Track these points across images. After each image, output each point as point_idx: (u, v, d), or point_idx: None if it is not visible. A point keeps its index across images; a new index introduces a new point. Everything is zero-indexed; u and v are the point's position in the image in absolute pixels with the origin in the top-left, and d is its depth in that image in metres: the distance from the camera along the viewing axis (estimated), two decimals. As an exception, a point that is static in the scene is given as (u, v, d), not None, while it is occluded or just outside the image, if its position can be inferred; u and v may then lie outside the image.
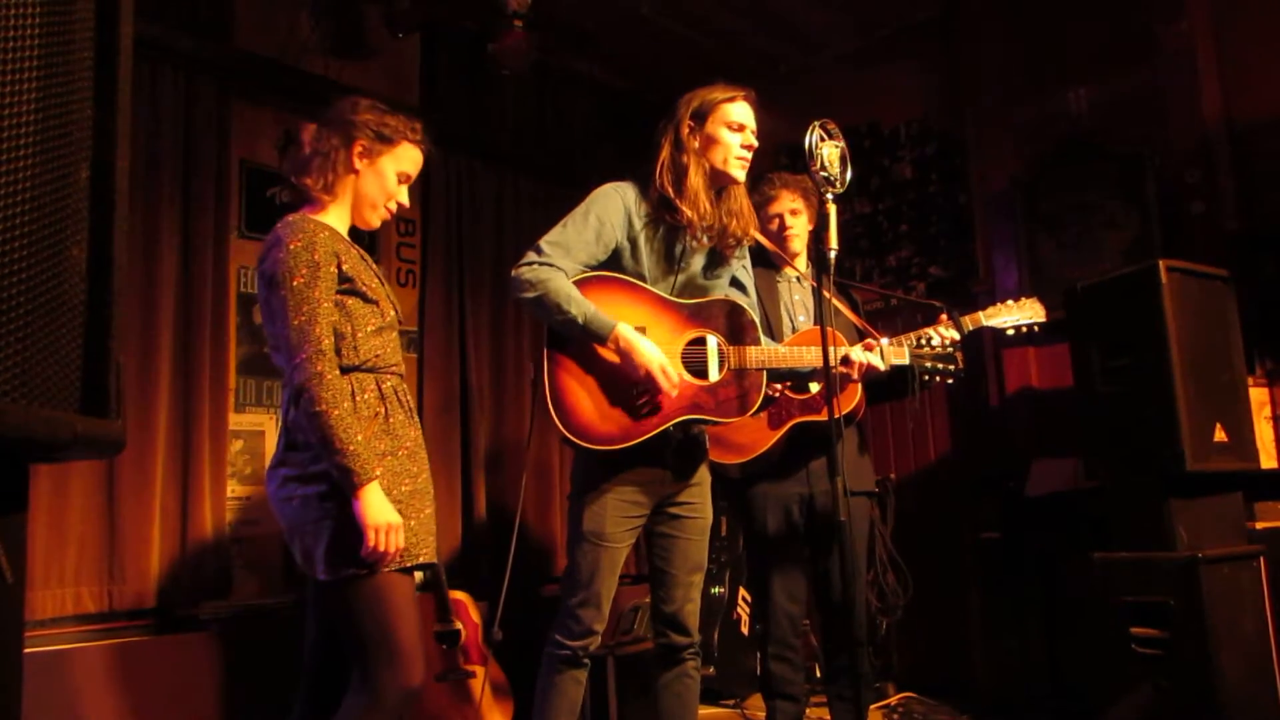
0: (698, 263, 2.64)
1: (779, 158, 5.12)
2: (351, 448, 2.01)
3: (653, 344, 2.44)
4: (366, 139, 2.25)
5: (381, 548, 2.02)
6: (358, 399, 2.12)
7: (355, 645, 2.09)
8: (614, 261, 2.57)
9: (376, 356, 2.18)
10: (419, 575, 3.81)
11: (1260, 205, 3.87)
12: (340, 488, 2.04)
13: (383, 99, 2.39)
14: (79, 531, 3.27)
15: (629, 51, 5.22)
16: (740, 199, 2.64)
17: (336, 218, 2.26)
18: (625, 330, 2.42)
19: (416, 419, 2.29)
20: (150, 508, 3.40)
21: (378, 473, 2.05)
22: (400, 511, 2.10)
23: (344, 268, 2.14)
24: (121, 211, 1.02)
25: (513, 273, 2.48)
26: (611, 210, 2.55)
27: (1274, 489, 3.31)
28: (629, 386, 2.46)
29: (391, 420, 2.17)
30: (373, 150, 2.26)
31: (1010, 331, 3.09)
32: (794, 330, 3.17)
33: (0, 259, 0.83)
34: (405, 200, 2.34)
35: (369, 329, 2.17)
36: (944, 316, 3.03)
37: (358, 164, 2.26)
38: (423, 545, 2.16)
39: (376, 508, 2.02)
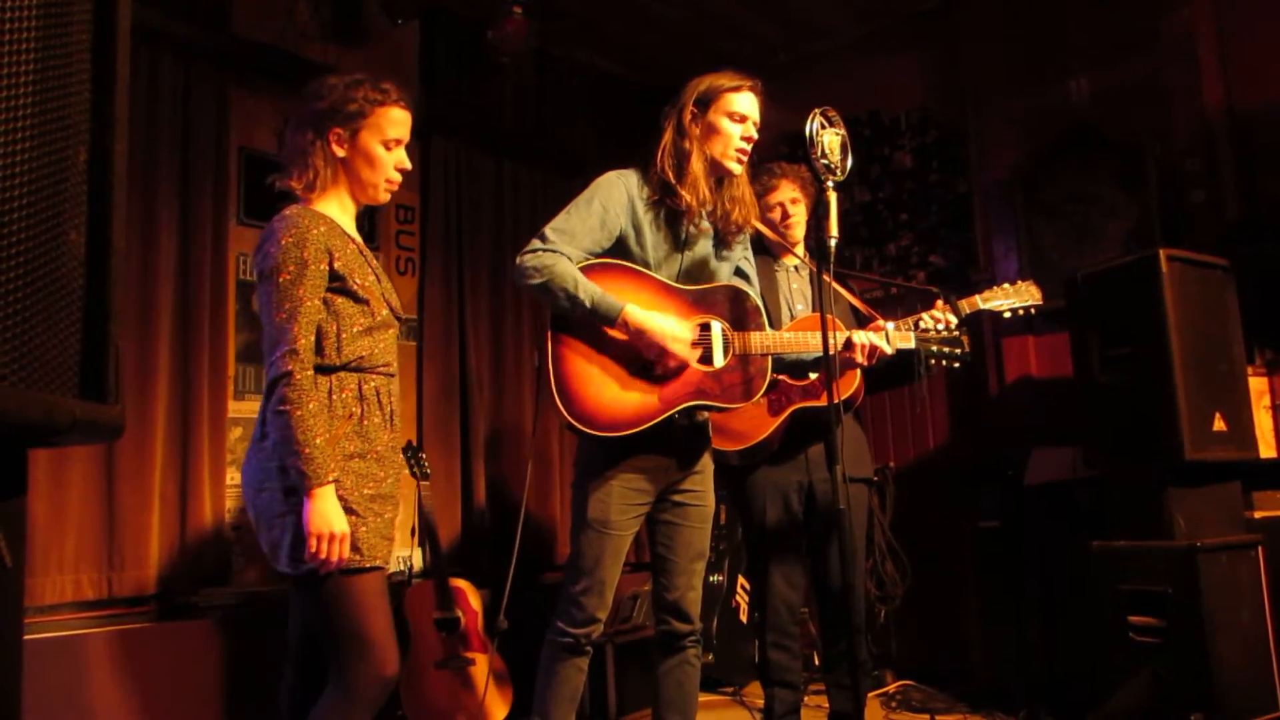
0: (701, 248, 2.65)
1: (779, 146, 5.11)
2: (308, 450, 2.00)
3: (662, 317, 2.44)
4: (339, 124, 2.18)
5: (322, 555, 1.99)
6: (334, 398, 2.10)
7: (328, 638, 2.09)
8: (619, 248, 2.57)
9: (361, 358, 2.15)
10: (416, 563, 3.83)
11: (1261, 194, 3.86)
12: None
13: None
14: (78, 519, 3.27)
15: (629, 39, 5.20)
16: (742, 187, 2.65)
17: (338, 206, 2.23)
18: (634, 310, 2.41)
19: (395, 423, 2.25)
20: (149, 495, 3.40)
21: (332, 478, 2.03)
22: (359, 514, 2.08)
23: (336, 265, 2.12)
24: (120, 196, 1.01)
25: (517, 260, 2.48)
26: (615, 197, 2.55)
27: (1273, 478, 3.32)
28: (633, 372, 2.46)
29: (366, 422, 2.15)
30: (348, 133, 2.19)
31: (1007, 314, 3.06)
32: (792, 319, 3.17)
33: (-2, 242, 0.82)
34: (406, 164, 2.27)
35: (355, 329, 2.15)
36: (940, 301, 3.02)
37: (339, 151, 2.20)
38: (378, 549, 2.12)
39: (322, 514, 2.00)
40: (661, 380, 2.48)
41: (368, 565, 2.09)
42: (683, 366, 2.49)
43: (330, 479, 2.03)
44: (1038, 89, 4.51)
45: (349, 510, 2.07)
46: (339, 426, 2.10)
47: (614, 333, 2.46)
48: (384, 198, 2.29)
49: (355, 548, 2.06)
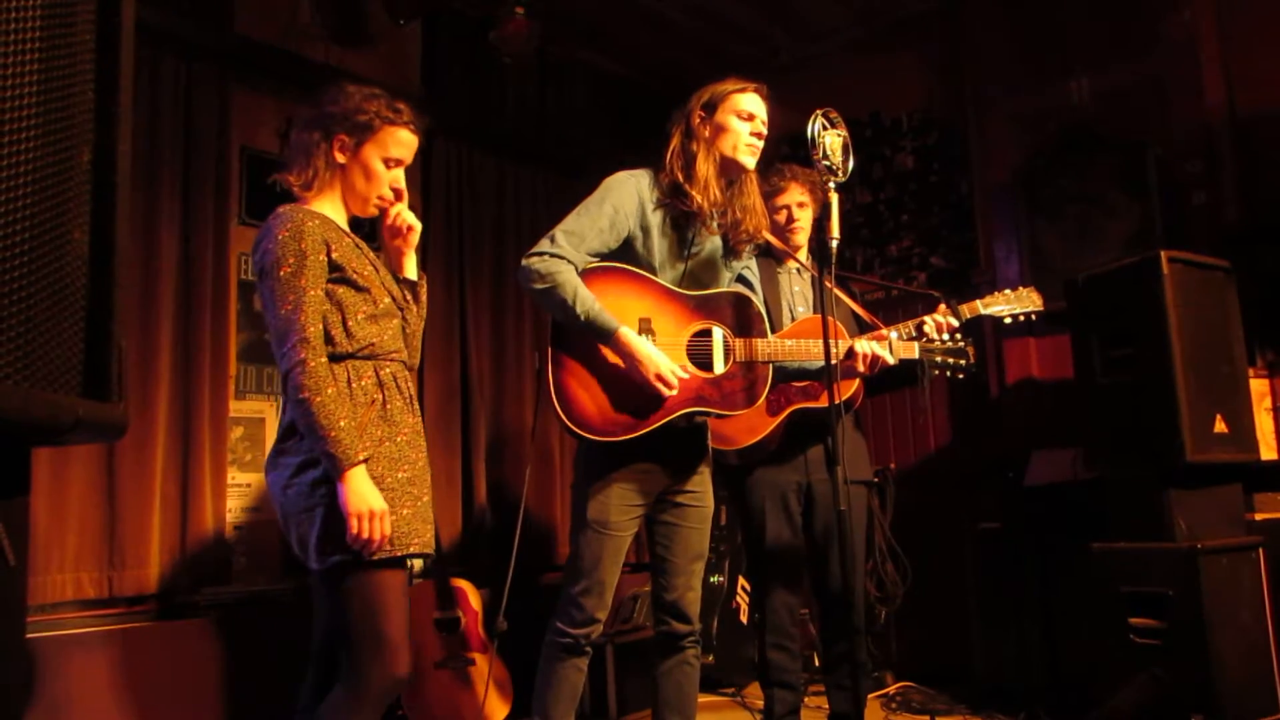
0: (707, 253, 2.65)
1: (781, 147, 5.11)
2: (334, 433, 2.01)
3: (654, 348, 2.45)
4: (345, 131, 2.22)
5: (365, 534, 2.00)
6: (354, 385, 2.12)
7: (345, 634, 2.09)
8: (626, 249, 2.57)
9: (372, 345, 2.17)
10: (418, 564, 3.84)
11: (1262, 196, 3.86)
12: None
13: (383, 87, 2.34)
14: (79, 517, 3.27)
15: (630, 40, 5.20)
16: (753, 195, 2.66)
17: (330, 208, 2.25)
18: (627, 334, 2.43)
19: (416, 406, 2.28)
20: (150, 494, 3.40)
21: (362, 458, 2.04)
22: (395, 499, 2.10)
23: (333, 256, 2.14)
24: (123, 195, 1.02)
25: (523, 261, 2.48)
26: (626, 198, 2.56)
27: (1274, 480, 3.32)
28: (633, 378, 2.46)
29: (389, 407, 2.17)
30: (353, 141, 2.22)
31: (1007, 320, 3.08)
32: (793, 320, 3.17)
33: (2, 241, 0.82)
34: (402, 184, 2.30)
35: (360, 316, 2.17)
36: (942, 305, 3.03)
37: (340, 158, 2.23)
38: (417, 534, 2.14)
39: (359, 494, 2.01)
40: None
41: (400, 554, 2.09)
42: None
43: (360, 458, 2.03)
44: (1039, 90, 4.51)
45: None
46: (364, 414, 2.11)
47: (607, 351, 2.46)
48: (372, 212, 2.31)
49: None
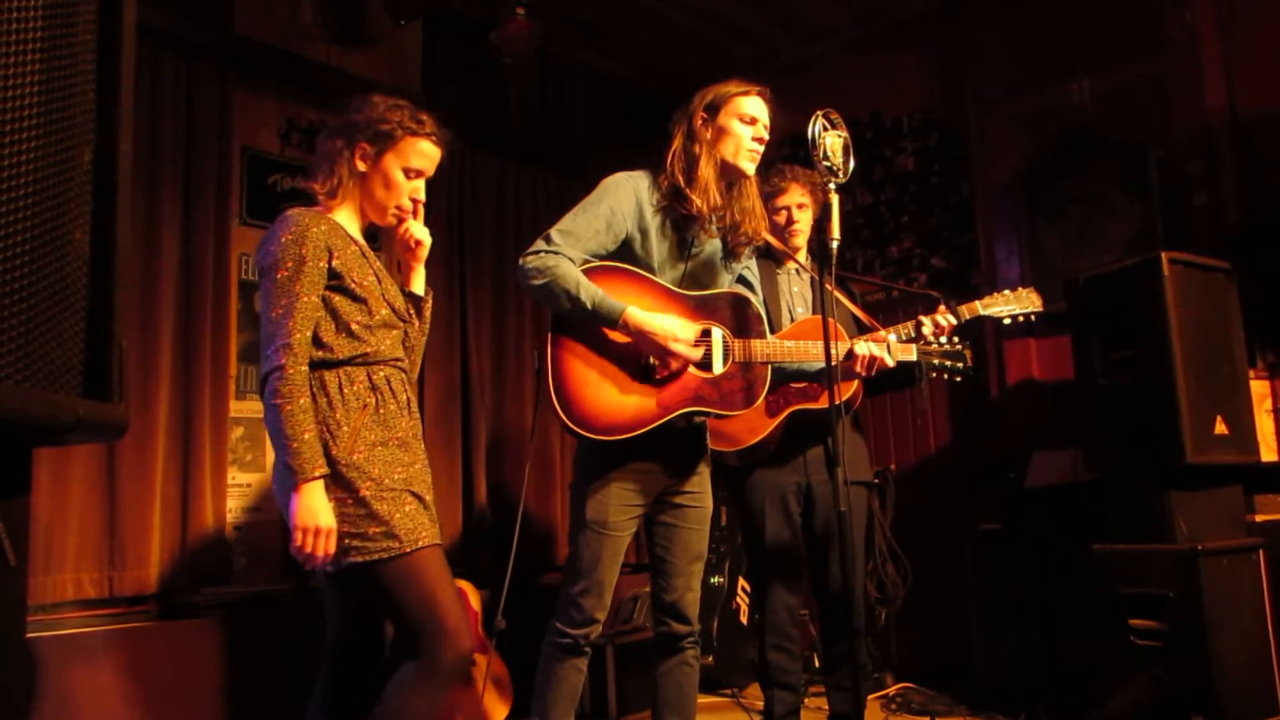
0: (706, 255, 2.65)
1: (781, 148, 5.10)
2: (296, 444, 2.02)
3: (665, 317, 2.45)
4: (367, 139, 2.24)
5: (308, 549, 2.01)
6: (346, 391, 2.13)
7: (402, 624, 2.12)
8: (624, 251, 2.57)
9: (365, 354, 2.18)
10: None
11: (1263, 197, 3.86)
12: (333, 482, 2.07)
13: (384, 88, 2.36)
14: (80, 517, 3.27)
15: (631, 41, 5.21)
16: (753, 198, 2.66)
17: (346, 216, 2.27)
18: (635, 311, 2.42)
19: (414, 409, 2.29)
20: (151, 494, 3.40)
21: (319, 474, 2.04)
22: (394, 499, 2.11)
23: (334, 263, 2.15)
24: (124, 195, 1.02)
25: (520, 260, 2.49)
26: (623, 200, 2.56)
27: (1274, 482, 3.32)
28: (633, 376, 2.46)
29: (383, 410, 2.18)
30: (374, 150, 2.25)
31: (1007, 321, 3.08)
32: (792, 321, 3.17)
33: (2, 241, 0.82)
34: (421, 196, 2.32)
35: (354, 325, 2.18)
36: (941, 306, 3.03)
37: (361, 166, 2.25)
38: (420, 531, 2.15)
39: (309, 509, 2.02)
40: (660, 385, 2.49)
41: (409, 549, 2.10)
42: (682, 371, 2.49)
43: (318, 474, 2.04)
44: (1040, 90, 4.51)
45: (381, 498, 2.09)
46: (357, 418, 2.13)
47: (615, 335, 2.46)
48: (390, 221, 2.33)
49: (393, 534, 2.08)
